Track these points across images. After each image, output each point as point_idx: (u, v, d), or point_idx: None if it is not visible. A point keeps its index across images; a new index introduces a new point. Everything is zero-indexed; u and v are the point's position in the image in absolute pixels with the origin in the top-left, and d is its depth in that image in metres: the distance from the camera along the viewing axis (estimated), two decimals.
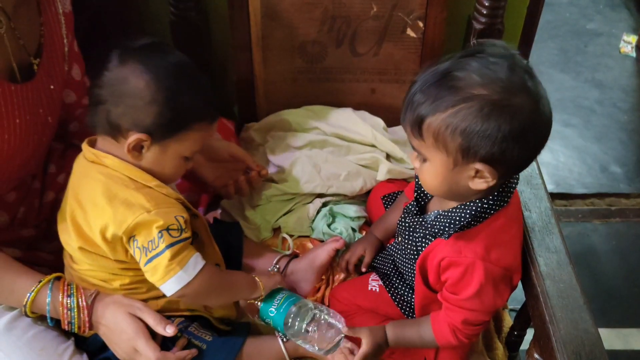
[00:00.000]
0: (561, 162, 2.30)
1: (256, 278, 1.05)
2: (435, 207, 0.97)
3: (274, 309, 1.04)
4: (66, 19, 1.08)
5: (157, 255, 0.90)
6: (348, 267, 1.18)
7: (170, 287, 0.92)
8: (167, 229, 0.90)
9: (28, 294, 0.93)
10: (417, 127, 0.83)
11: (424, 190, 1.00)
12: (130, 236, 0.91)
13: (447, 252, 0.92)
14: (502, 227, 0.91)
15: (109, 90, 0.89)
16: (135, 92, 0.88)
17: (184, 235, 0.92)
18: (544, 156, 2.26)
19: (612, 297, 1.84)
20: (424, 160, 0.87)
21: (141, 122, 0.89)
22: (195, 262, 0.93)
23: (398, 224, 1.05)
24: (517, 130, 0.79)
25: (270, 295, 1.06)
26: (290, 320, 1.02)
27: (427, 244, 0.97)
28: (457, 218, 0.89)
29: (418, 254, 0.99)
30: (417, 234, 0.99)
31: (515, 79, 0.80)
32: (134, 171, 0.93)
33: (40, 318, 0.99)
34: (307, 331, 0.99)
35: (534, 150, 0.85)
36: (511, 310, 1.28)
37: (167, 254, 0.90)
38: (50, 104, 1.06)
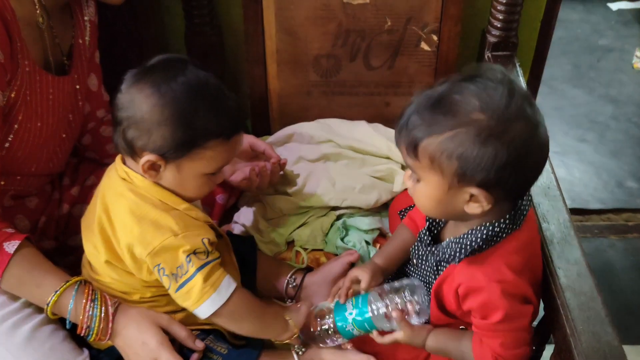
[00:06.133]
0: (576, 178, 2.28)
1: (287, 318, 1.02)
2: (449, 235, 0.96)
3: (351, 311, 1.00)
4: (91, 27, 1.13)
5: (189, 279, 0.90)
6: (340, 291, 1.07)
7: (204, 310, 0.92)
8: (195, 252, 0.90)
9: (53, 293, 0.93)
10: (412, 148, 0.83)
11: (436, 219, 0.99)
12: (156, 264, 0.91)
13: (461, 279, 0.90)
14: (514, 250, 0.89)
15: (122, 112, 0.89)
16: (142, 114, 0.87)
17: (212, 256, 0.92)
18: (559, 172, 2.25)
19: (631, 314, 1.81)
20: (418, 180, 0.86)
21: (151, 143, 0.88)
22: (229, 283, 0.93)
23: (412, 250, 1.04)
24: (513, 159, 0.78)
25: (338, 308, 1.03)
26: (374, 306, 0.99)
27: (441, 271, 0.96)
28: (468, 243, 0.88)
29: (433, 281, 0.98)
30: (428, 262, 0.98)
31: (514, 106, 0.79)
32: (163, 193, 0.93)
33: (57, 325, 0.99)
34: (397, 303, 0.97)
35: (530, 176, 0.85)
36: None
37: (199, 277, 0.90)
38: (75, 105, 1.11)
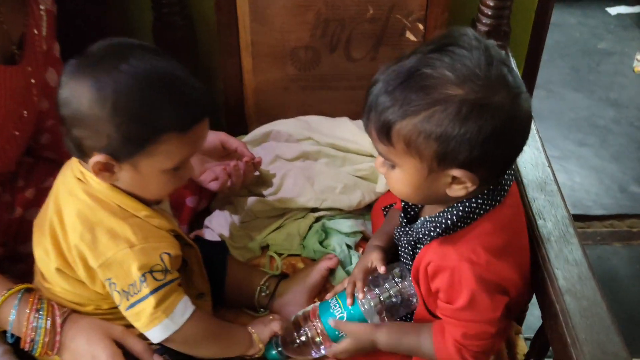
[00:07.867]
0: (577, 183, 2.22)
1: (251, 330, 0.96)
2: (426, 214, 0.89)
3: (340, 309, 0.94)
4: (48, 17, 1.05)
5: (140, 300, 0.83)
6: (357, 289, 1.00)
7: (155, 334, 0.86)
8: (151, 271, 0.83)
9: None
10: (384, 133, 0.75)
11: None
12: (107, 277, 0.83)
13: (432, 257, 0.83)
14: (493, 230, 0.81)
15: (64, 109, 0.80)
16: (84, 110, 0.78)
17: (169, 277, 0.85)
18: (559, 176, 2.17)
19: (637, 325, 1.74)
20: (393, 166, 0.80)
21: (98, 143, 0.79)
22: (184, 308, 0.86)
23: (394, 234, 0.97)
24: (499, 130, 0.72)
25: (323, 310, 0.96)
26: (363, 300, 0.94)
27: (417, 253, 0.89)
28: (443, 221, 0.81)
29: (411, 265, 0.91)
30: (403, 242, 0.92)
31: (493, 74, 0.72)
32: (121, 197, 0.84)
33: None
34: (387, 289, 0.93)
35: (516, 149, 0.78)
36: (526, 339, 1.17)
37: (152, 300, 0.83)
38: (28, 99, 1.03)
